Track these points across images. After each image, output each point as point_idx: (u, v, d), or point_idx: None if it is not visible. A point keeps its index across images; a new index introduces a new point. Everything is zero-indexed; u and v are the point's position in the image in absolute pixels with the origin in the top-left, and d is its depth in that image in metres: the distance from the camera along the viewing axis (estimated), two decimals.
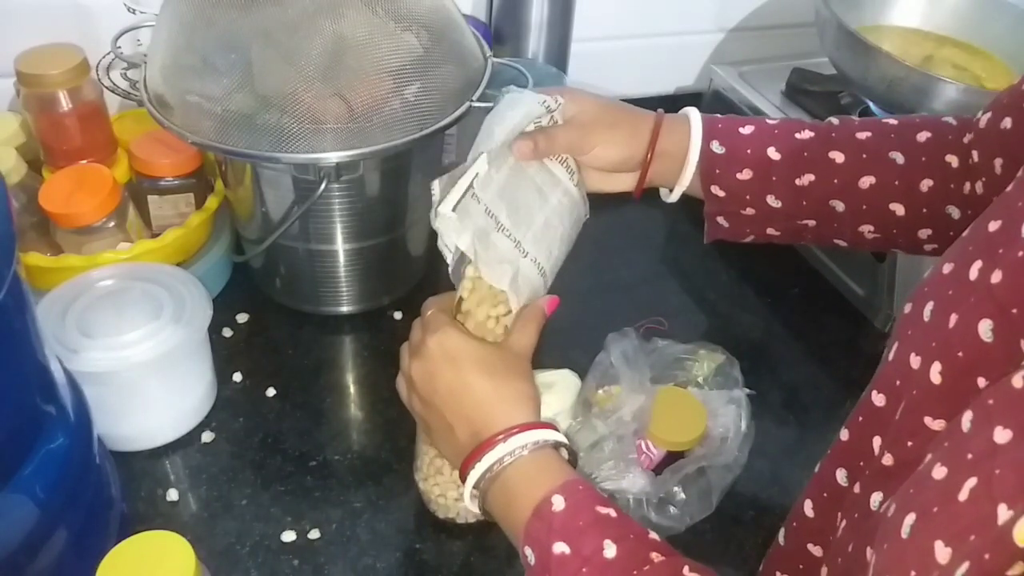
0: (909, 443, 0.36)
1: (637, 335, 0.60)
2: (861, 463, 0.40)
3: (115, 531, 0.49)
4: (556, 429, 0.45)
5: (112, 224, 0.63)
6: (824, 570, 0.40)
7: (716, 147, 0.54)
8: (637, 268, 0.79)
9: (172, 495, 0.56)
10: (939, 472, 0.30)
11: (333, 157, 0.55)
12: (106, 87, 0.65)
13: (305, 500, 0.56)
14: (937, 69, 0.77)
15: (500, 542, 0.55)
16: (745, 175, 0.54)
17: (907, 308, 0.40)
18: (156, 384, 0.56)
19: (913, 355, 0.37)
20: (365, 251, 0.67)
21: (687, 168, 0.55)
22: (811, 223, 0.55)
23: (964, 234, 0.39)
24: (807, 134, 0.54)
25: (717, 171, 0.54)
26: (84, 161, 0.66)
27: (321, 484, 0.57)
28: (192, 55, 0.57)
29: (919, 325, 0.38)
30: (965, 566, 0.27)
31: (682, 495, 0.55)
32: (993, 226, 0.36)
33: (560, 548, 0.38)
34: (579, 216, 0.55)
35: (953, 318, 0.35)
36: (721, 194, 0.54)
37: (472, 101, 0.60)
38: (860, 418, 0.41)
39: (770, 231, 0.56)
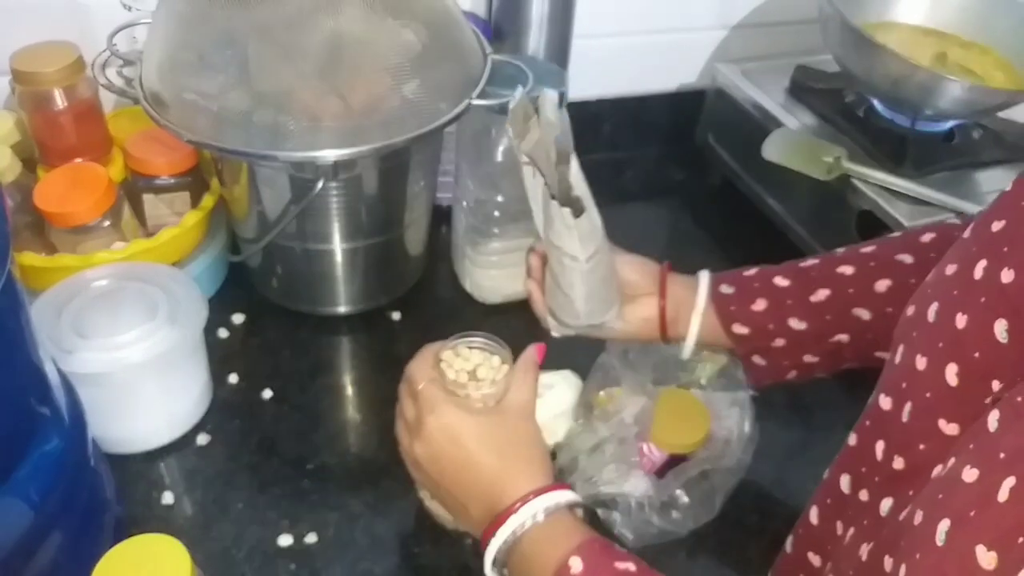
0: (921, 446, 0.36)
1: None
2: (864, 469, 0.40)
3: (110, 534, 0.49)
4: (568, 488, 0.45)
5: (107, 223, 0.63)
6: (872, 551, 0.40)
7: (725, 288, 0.56)
8: None
9: (167, 498, 0.55)
10: (970, 475, 0.30)
11: (330, 155, 0.55)
12: (102, 85, 0.64)
13: (302, 503, 0.56)
14: (944, 67, 0.77)
15: None
16: (760, 305, 0.54)
17: (910, 310, 0.40)
18: (151, 385, 0.56)
19: (919, 356, 0.37)
20: (363, 251, 0.67)
21: (699, 298, 0.56)
22: (844, 338, 0.54)
23: (965, 235, 0.39)
24: (811, 261, 0.56)
25: (732, 308, 0.55)
26: (79, 160, 0.65)
27: (318, 487, 0.57)
28: (188, 52, 0.56)
29: (924, 327, 0.37)
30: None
31: (685, 499, 0.54)
32: (997, 226, 0.36)
33: None
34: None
35: (961, 318, 0.35)
36: (744, 331, 0.55)
37: (471, 99, 0.59)
38: (867, 423, 0.41)
39: (807, 359, 0.55)
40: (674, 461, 0.55)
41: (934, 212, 0.70)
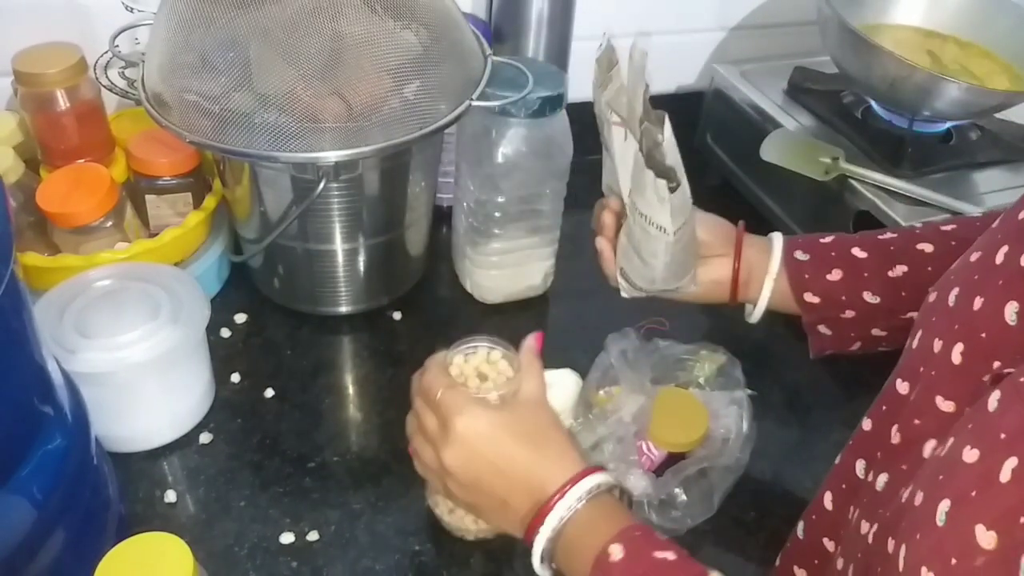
0: (916, 421, 0.36)
1: (638, 335, 0.60)
2: (879, 454, 0.40)
3: (113, 533, 0.49)
4: (604, 470, 0.44)
5: (110, 224, 0.63)
6: (840, 562, 0.40)
7: (800, 255, 0.55)
8: None
9: (170, 496, 0.55)
10: (970, 455, 0.30)
11: (332, 156, 0.55)
12: (104, 86, 0.64)
13: (304, 501, 0.56)
14: (940, 68, 0.77)
15: (500, 544, 0.55)
16: (835, 275, 0.53)
17: (931, 296, 0.40)
18: (154, 385, 0.56)
19: (937, 340, 0.37)
20: (364, 251, 0.67)
21: (773, 262, 0.55)
22: (915, 315, 0.54)
23: (994, 225, 0.39)
24: (889, 234, 0.55)
25: (806, 276, 0.54)
26: (81, 160, 0.66)
27: (320, 485, 0.57)
28: (190, 54, 0.56)
29: (944, 312, 0.38)
30: None
31: (683, 497, 0.55)
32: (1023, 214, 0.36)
33: None
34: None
35: (978, 301, 0.35)
36: (815, 300, 0.54)
37: (472, 100, 0.60)
38: (884, 407, 0.41)
39: (875, 332, 0.55)
40: (673, 459, 0.56)
41: (932, 213, 0.70)
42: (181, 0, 0.56)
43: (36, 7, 0.68)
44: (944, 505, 0.30)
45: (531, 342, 0.50)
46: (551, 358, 0.63)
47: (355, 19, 0.55)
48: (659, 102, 0.58)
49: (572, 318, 0.73)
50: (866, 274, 0.53)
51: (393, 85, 0.56)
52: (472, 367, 0.50)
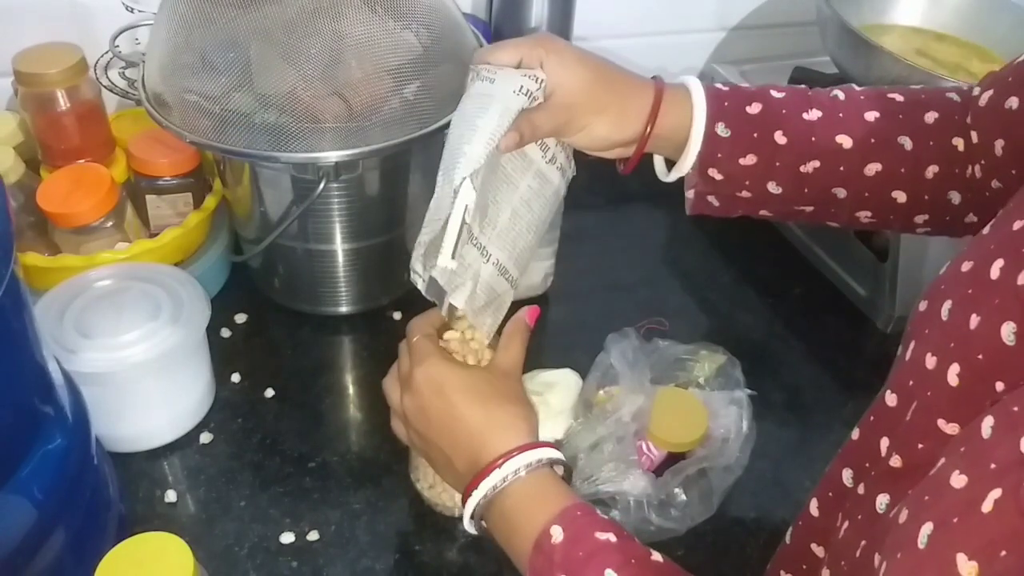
0: (920, 446, 0.36)
1: (637, 335, 0.60)
2: (867, 464, 0.40)
3: (113, 532, 0.49)
4: (551, 446, 0.44)
5: (110, 224, 0.63)
6: (826, 572, 0.40)
7: (721, 130, 0.50)
8: (638, 268, 0.79)
9: (170, 496, 0.55)
10: (958, 480, 0.29)
11: (332, 156, 0.55)
12: (104, 86, 0.65)
13: (304, 501, 0.56)
14: (937, 67, 0.77)
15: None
16: (749, 160, 0.51)
17: (922, 306, 0.39)
18: (154, 385, 0.56)
19: (929, 355, 0.36)
20: (364, 251, 0.67)
21: (688, 153, 0.51)
22: (808, 208, 0.53)
23: (984, 231, 0.38)
24: (814, 114, 0.51)
25: (719, 155, 0.51)
26: (82, 160, 0.66)
27: (320, 485, 0.57)
28: (190, 54, 0.56)
29: (937, 324, 0.37)
30: None
31: (683, 497, 0.55)
32: (1018, 224, 0.35)
33: None
34: (555, 191, 0.53)
35: (975, 319, 0.34)
36: (719, 177, 0.52)
37: None
38: (872, 418, 0.41)
39: (763, 212, 0.55)
40: (672, 459, 0.56)
41: None
42: (182, 0, 0.56)
43: (37, 7, 0.68)
44: (927, 528, 0.29)
45: (522, 315, 0.50)
46: (551, 358, 0.64)
47: (355, 20, 0.55)
48: None
49: (572, 318, 0.73)
50: (778, 164, 0.51)
51: (393, 85, 0.56)
52: (464, 334, 0.50)
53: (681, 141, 0.52)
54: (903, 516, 0.32)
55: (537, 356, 0.68)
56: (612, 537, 0.40)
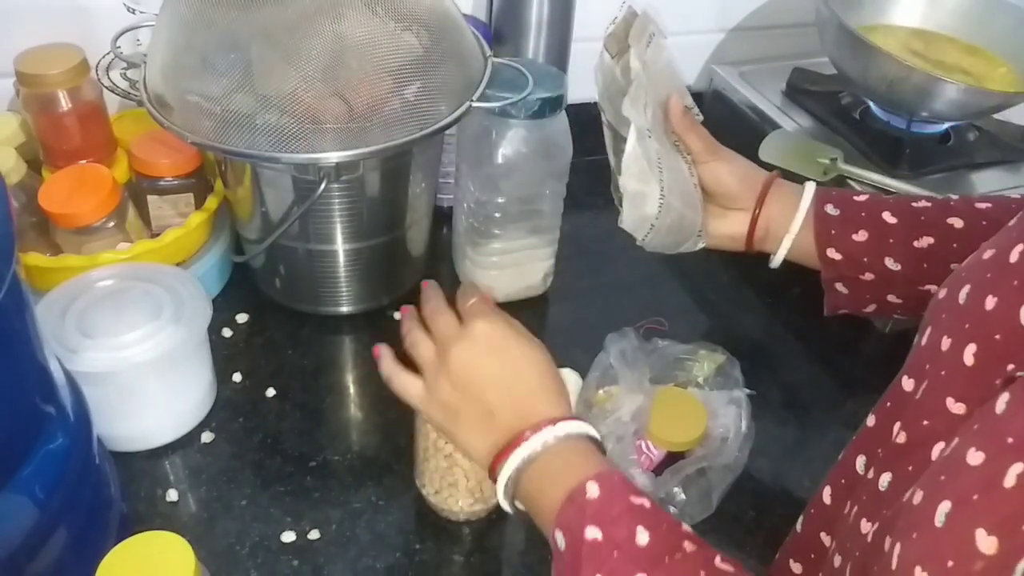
0: (925, 422, 0.36)
1: (637, 335, 0.60)
2: (880, 450, 0.40)
3: (114, 531, 0.49)
4: (586, 421, 0.45)
5: (112, 224, 0.63)
6: (837, 559, 0.40)
7: (831, 209, 0.55)
8: (638, 268, 0.79)
9: (172, 495, 0.56)
10: (975, 458, 0.29)
11: (333, 157, 0.55)
12: (106, 87, 0.65)
13: (305, 500, 0.56)
14: (939, 69, 0.77)
15: (500, 543, 0.55)
16: (861, 236, 0.54)
17: (941, 293, 0.40)
18: (156, 384, 0.56)
19: (945, 338, 0.37)
20: (365, 251, 0.67)
21: (797, 217, 0.56)
22: (934, 289, 0.53)
23: (1011, 223, 0.39)
24: (923, 203, 0.55)
25: (833, 232, 0.54)
26: (84, 161, 0.66)
27: (321, 484, 0.57)
28: (192, 55, 0.56)
29: (954, 308, 0.37)
30: None
31: (682, 496, 0.55)
32: None
33: (593, 534, 0.38)
34: (692, 215, 0.58)
35: (991, 300, 0.35)
36: (838, 257, 0.55)
37: (472, 101, 0.60)
38: (888, 404, 0.41)
39: (891, 298, 0.55)
40: (671, 459, 0.56)
41: None
42: (183, 1, 0.57)
43: (38, 8, 0.68)
44: (944, 506, 0.29)
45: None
46: (552, 358, 0.64)
47: (356, 21, 0.55)
48: None
49: (572, 318, 0.73)
50: (891, 240, 0.53)
51: (394, 86, 0.56)
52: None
53: (792, 218, 0.57)
54: (917, 497, 0.32)
55: None
56: (646, 503, 0.40)
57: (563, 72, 0.78)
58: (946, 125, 0.80)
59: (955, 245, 0.53)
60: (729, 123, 0.87)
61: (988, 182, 0.78)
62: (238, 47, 0.55)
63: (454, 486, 0.53)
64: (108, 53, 0.63)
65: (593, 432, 0.44)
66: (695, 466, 0.55)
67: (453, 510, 0.54)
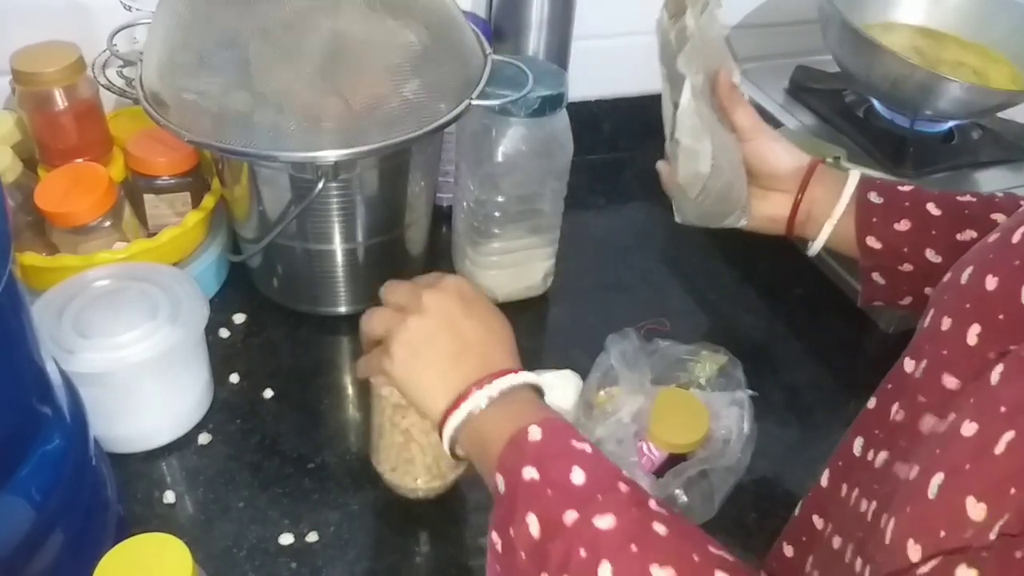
0: (921, 398, 0.36)
1: (638, 336, 0.60)
2: (877, 431, 0.40)
3: (111, 533, 0.49)
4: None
5: (108, 223, 0.63)
6: (836, 540, 0.40)
7: (874, 197, 0.54)
8: (639, 268, 0.79)
9: (169, 497, 0.55)
10: (968, 429, 0.29)
11: (331, 156, 0.55)
12: (102, 85, 0.64)
13: (303, 502, 0.56)
14: (942, 67, 0.77)
15: None
16: (903, 226, 0.53)
17: (946, 277, 0.39)
18: (152, 385, 0.56)
19: (946, 318, 0.37)
20: (363, 251, 0.67)
21: (840, 203, 0.55)
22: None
23: (1020, 210, 0.39)
24: (968, 197, 0.55)
25: (874, 220, 0.54)
26: (80, 160, 0.65)
27: (319, 486, 0.57)
28: (188, 53, 0.56)
29: (955, 288, 0.37)
30: (1005, 519, 0.26)
31: (684, 498, 0.55)
32: None
33: (529, 473, 0.38)
34: (739, 186, 0.57)
35: (992, 280, 0.35)
36: (878, 246, 0.54)
37: (471, 99, 0.60)
38: (889, 385, 0.41)
39: (928, 291, 0.54)
40: (673, 460, 0.55)
41: None
42: None
43: (34, 6, 0.68)
44: (937, 478, 0.29)
45: None
46: (551, 359, 0.63)
47: (354, 18, 0.55)
48: (659, 101, 0.58)
49: (572, 318, 0.73)
50: (934, 232, 0.53)
51: (392, 84, 0.56)
52: None
53: (835, 203, 0.56)
54: (913, 472, 0.31)
55: (537, 356, 0.68)
56: (588, 448, 0.40)
57: (563, 70, 0.77)
58: (950, 124, 0.80)
59: None
60: None
61: (992, 181, 0.77)
62: (235, 44, 0.55)
63: (410, 462, 0.53)
64: (104, 51, 0.63)
65: (538, 381, 0.45)
66: (697, 468, 0.55)
67: (410, 487, 0.54)
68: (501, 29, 0.78)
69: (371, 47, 0.55)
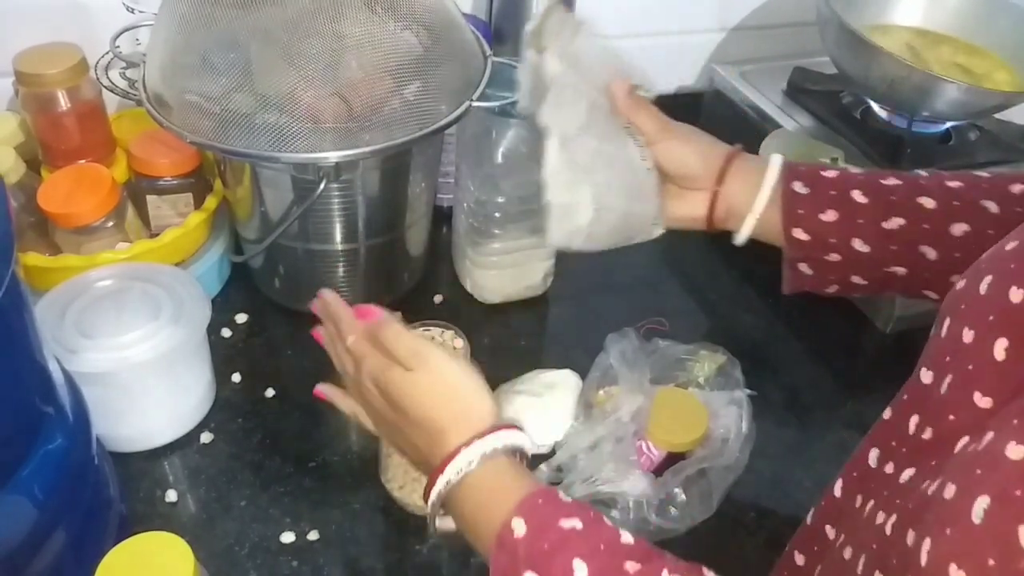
0: (951, 417, 0.35)
1: (637, 336, 0.60)
2: (894, 442, 0.39)
3: (114, 532, 0.49)
4: (508, 427, 0.42)
5: (111, 224, 0.63)
6: (848, 551, 0.39)
7: (799, 187, 0.53)
8: (638, 268, 0.79)
9: (171, 496, 0.56)
10: (1016, 452, 0.29)
11: (332, 157, 0.55)
12: (105, 86, 0.65)
13: (304, 501, 0.56)
14: (938, 68, 0.77)
15: None
16: (829, 216, 0.52)
17: (960, 284, 0.39)
18: (155, 385, 0.56)
19: (967, 329, 0.36)
20: (364, 251, 0.67)
21: (760, 195, 0.53)
22: (900, 271, 0.52)
23: None
24: (893, 181, 0.53)
25: (800, 211, 0.52)
26: (83, 161, 0.66)
27: (320, 485, 0.57)
28: (191, 54, 0.56)
29: (974, 298, 0.36)
30: None
31: (683, 497, 0.55)
32: None
33: None
34: (641, 208, 0.55)
35: (1018, 293, 0.34)
36: (804, 237, 0.52)
37: (472, 100, 0.60)
38: (905, 396, 0.40)
39: (855, 279, 0.53)
40: (672, 459, 0.56)
41: None
42: (182, 1, 0.56)
43: (37, 8, 0.68)
44: (982, 502, 0.28)
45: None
46: (551, 358, 0.64)
47: (356, 20, 0.55)
48: (659, 103, 0.58)
49: (572, 318, 0.73)
50: (861, 221, 0.51)
51: (393, 86, 0.56)
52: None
53: (755, 194, 0.54)
54: (949, 492, 0.31)
55: (537, 356, 0.68)
56: (578, 524, 0.38)
57: None
58: (947, 125, 0.80)
59: (926, 226, 0.51)
60: (730, 123, 0.87)
61: None
62: (237, 46, 0.55)
63: (418, 480, 0.53)
64: (107, 52, 0.63)
65: (505, 440, 0.41)
66: (696, 467, 0.55)
67: (418, 504, 0.54)
68: (501, 31, 0.79)
69: (372, 49, 0.55)
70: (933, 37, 0.83)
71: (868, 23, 0.82)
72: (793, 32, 0.94)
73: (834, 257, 0.53)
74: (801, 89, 0.85)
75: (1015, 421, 0.30)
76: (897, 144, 0.77)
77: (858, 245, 0.52)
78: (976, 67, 0.80)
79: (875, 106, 0.81)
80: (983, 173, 0.54)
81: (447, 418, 0.42)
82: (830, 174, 0.54)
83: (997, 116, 0.80)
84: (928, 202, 0.51)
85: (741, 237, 0.56)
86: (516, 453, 0.42)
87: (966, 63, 0.80)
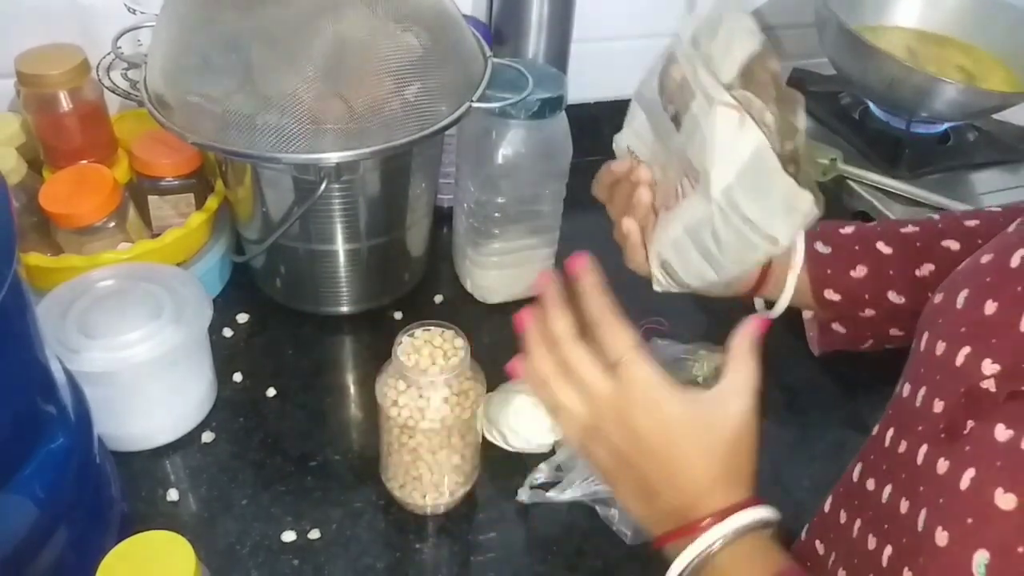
0: (919, 428, 0.35)
1: (637, 335, 0.60)
2: (873, 456, 0.39)
3: (115, 531, 0.49)
4: (762, 503, 0.39)
5: (112, 224, 0.63)
6: (842, 572, 0.39)
7: (821, 247, 0.51)
8: None
9: (172, 495, 0.56)
10: (1006, 501, 0.29)
11: (333, 157, 0.55)
12: (106, 87, 0.65)
13: (305, 500, 0.56)
14: (936, 69, 0.77)
15: (498, 542, 0.55)
16: (859, 272, 0.50)
17: (937, 298, 0.39)
18: (156, 384, 0.56)
19: (940, 342, 0.36)
20: (365, 251, 0.67)
21: (796, 255, 0.51)
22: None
23: (1009, 229, 0.38)
24: (911, 228, 0.52)
25: (828, 272, 0.50)
26: (84, 161, 0.66)
27: (321, 484, 0.57)
28: (192, 55, 0.57)
29: (951, 312, 0.36)
30: None
31: None
32: None
33: None
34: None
35: (991, 305, 0.34)
36: (836, 298, 0.51)
37: (472, 101, 0.60)
38: (889, 411, 0.40)
39: (893, 331, 0.52)
40: None
41: (929, 213, 0.71)
42: (183, 2, 0.57)
43: (39, 9, 0.68)
44: (969, 472, 0.29)
45: (748, 328, 0.41)
46: None
47: (356, 21, 0.55)
48: None
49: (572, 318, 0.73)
50: (891, 272, 0.50)
51: (394, 87, 0.56)
52: (430, 345, 0.52)
53: (785, 270, 0.51)
54: (921, 518, 0.32)
55: None
56: None
57: (563, 73, 0.78)
58: (945, 125, 0.80)
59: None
60: None
61: (987, 182, 0.78)
62: (239, 47, 0.55)
63: (418, 480, 0.53)
64: (109, 53, 0.63)
65: (764, 514, 0.38)
66: None
67: (419, 503, 0.55)
68: (501, 32, 0.79)
69: (373, 50, 0.55)
70: (931, 38, 0.83)
71: (866, 24, 0.82)
72: (792, 33, 0.94)
73: (869, 312, 0.51)
74: (800, 90, 0.85)
75: (999, 463, 0.30)
76: (896, 145, 0.77)
77: (893, 297, 0.50)
78: (974, 68, 0.80)
79: (874, 107, 0.81)
80: (995, 208, 0.53)
81: (718, 475, 0.38)
82: (847, 229, 0.52)
83: (995, 117, 0.81)
84: (952, 244, 0.50)
85: (780, 306, 0.53)
86: (769, 528, 0.39)
87: (964, 64, 0.80)
